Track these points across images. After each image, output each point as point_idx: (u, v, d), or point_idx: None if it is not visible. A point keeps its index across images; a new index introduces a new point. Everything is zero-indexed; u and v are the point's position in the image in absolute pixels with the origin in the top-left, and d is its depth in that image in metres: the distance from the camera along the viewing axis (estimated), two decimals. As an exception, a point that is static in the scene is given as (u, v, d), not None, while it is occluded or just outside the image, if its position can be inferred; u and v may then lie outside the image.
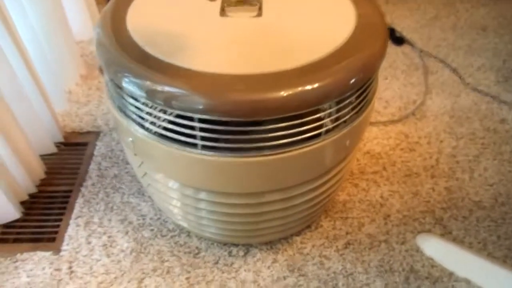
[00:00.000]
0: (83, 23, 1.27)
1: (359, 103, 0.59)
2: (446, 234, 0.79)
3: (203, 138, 0.53)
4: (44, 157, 0.92)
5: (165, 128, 0.55)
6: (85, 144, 0.96)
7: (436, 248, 0.75)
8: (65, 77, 1.09)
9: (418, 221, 0.81)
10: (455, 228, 0.79)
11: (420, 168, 0.91)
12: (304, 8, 0.63)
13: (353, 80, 0.54)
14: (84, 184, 0.87)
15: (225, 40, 0.58)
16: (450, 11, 1.45)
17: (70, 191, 0.87)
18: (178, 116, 0.53)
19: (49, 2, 0.97)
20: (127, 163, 0.91)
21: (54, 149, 0.94)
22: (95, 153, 0.94)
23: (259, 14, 0.62)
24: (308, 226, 0.79)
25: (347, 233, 0.79)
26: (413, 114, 1.04)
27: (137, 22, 0.60)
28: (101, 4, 1.40)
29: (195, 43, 0.57)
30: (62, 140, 0.96)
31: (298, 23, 0.61)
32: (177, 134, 0.54)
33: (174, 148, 0.56)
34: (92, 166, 0.91)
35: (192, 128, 0.53)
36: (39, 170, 0.89)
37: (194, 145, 0.55)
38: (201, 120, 0.52)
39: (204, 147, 0.54)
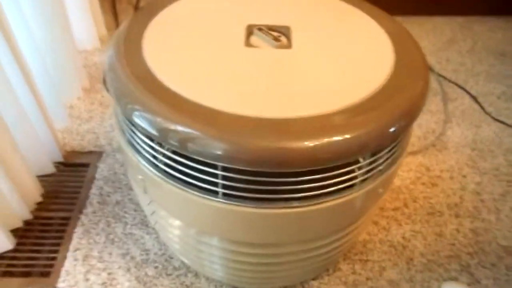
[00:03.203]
0: (86, 31, 1.20)
1: (396, 151, 0.53)
2: (474, 283, 0.73)
3: (225, 186, 0.48)
4: (41, 178, 0.85)
5: (182, 172, 0.49)
6: (86, 165, 0.90)
7: (463, 300, 0.70)
8: (67, 90, 1.03)
9: (443, 267, 0.75)
10: (483, 276, 0.74)
11: (443, 206, 0.85)
12: (336, 40, 0.58)
13: (393, 129, 0.48)
14: (84, 211, 0.80)
15: (250, 75, 0.52)
16: (467, 34, 1.40)
17: (69, 218, 0.80)
18: (197, 160, 0.47)
19: (51, 8, 0.91)
20: (131, 189, 0.85)
21: (52, 169, 0.88)
22: (97, 176, 0.87)
23: (288, 45, 0.56)
24: (326, 270, 0.74)
25: (367, 279, 0.73)
26: (434, 145, 0.99)
27: (154, 48, 0.54)
28: (106, 13, 1.35)
29: (217, 77, 0.51)
30: (61, 159, 0.90)
31: (331, 58, 0.55)
32: (195, 180, 0.48)
33: (191, 193, 0.50)
34: (93, 191, 0.84)
35: (213, 175, 0.47)
36: (35, 193, 0.82)
37: (214, 192, 0.49)
38: (224, 168, 0.46)
39: (226, 195, 0.48)
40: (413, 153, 0.96)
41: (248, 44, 0.56)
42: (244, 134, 0.44)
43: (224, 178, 0.47)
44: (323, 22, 0.61)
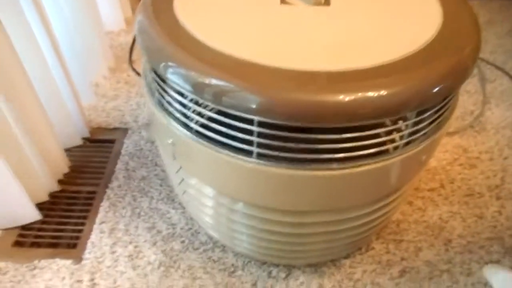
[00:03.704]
0: (113, 13, 1.20)
1: (442, 113, 0.50)
2: (519, 267, 0.68)
3: (260, 145, 0.45)
4: (68, 153, 0.85)
5: (215, 130, 0.47)
6: (112, 141, 0.89)
7: (508, 283, 0.65)
8: (93, 69, 1.02)
9: (485, 249, 0.71)
10: (529, 260, 0.69)
11: (483, 188, 0.80)
12: (379, 0, 0.54)
13: (437, 88, 0.44)
14: (109, 185, 0.79)
15: (286, 29, 0.49)
16: (505, 16, 1.33)
17: (95, 192, 0.79)
18: (231, 116, 0.44)
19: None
20: (156, 164, 0.83)
21: (79, 142, 0.88)
22: (123, 151, 0.86)
23: (327, 2, 0.53)
24: (358, 248, 0.70)
25: (402, 259, 0.69)
26: (472, 126, 0.94)
27: (186, 7, 0.52)
28: (132, -6, 1.34)
29: (253, 31, 0.49)
30: (88, 135, 0.89)
31: (373, 16, 0.52)
32: (229, 139, 0.46)
33: (224, 154, 0.47)
34: (119, 166, 0.83)
35: (249, 132, 0.44)
36: (63, 166, 0.82)
37: (248, 153, 0.46)
38: (260, 124, 0.43)
39: (260, 155, 0.46)
40: (450, 134, 0.91)
41: (283, 1, 0.53)
42: (280, 86, 0.42)
43: (259, 135, 0.44)
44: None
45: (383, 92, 0.42)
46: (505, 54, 1.16)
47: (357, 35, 0.49)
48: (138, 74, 1.07)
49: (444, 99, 0.48)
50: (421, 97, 0.44)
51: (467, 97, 1.02)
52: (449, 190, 0.80)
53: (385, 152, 0.47)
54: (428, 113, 0.47)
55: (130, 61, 1.12)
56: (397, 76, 0.44)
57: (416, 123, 0.47)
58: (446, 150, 0.88)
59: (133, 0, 1.34)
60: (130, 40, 1.19)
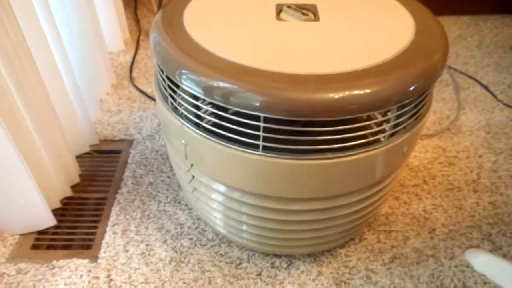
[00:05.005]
0: (114, 35, 1.28)
1: (419, 110, 0.58)
2: (496, 250, 0.76)
3: (265, 139, 0.52)
4: (78, 161, 0.90)
5: (225, 128, 0.54)
6: (118, 152, 0.95)
7: (487, 265, 0.72)
8: (97, 85, 1.09)
9: (465, 236, 0.78)
10: (504, 244, 0.77)
11: (461, 182, 0.89)
12: (360, 15, 0.63)
13: (413, 87, 0.53)
14: (119, 191, 0.85)
15: (284, 41, 0.57)
16: (474, 30, 1.46)
17: (105, 198, 0.85)
18: (239, 115, 0.52)
19: (87, 13, 0.99)
20: (162, 171, 0.89)
21: (88, 149, 0.93)
22: (129, 160, 0.92)
23: (316, 19, 0.62)
24: (352, 239, 0.77)
25: (392, 247, 0.76)
26: (448, 129, 1.03)
27: (194, 24, 0.60)
28: (129, 19, 1.43)
29: (254, 43, 0.57)
30: (97, 142, 0.95)
31: (356, 29, 0.60)
32: (237, 135, 0.53)
33: (233, 149, 0.54)
34: (127, 174, 0.89)
35: (255, 127, 0.51)
36: (74, 173, 0.87)
37: (255, 146, 0.53)
38: (265, 119, 0.51)
39: (265, 148, 0.53)
40: (429, 136, 1.00)
41: (278, 18, 0.62)
42: (281, 87, 0.49)
43: (265, 130, 0.51)
44: (346, 1, 0.66)
45: (367, 90, 0.50)
46: (476, 65, 1.27)
47: (343, 44, 0.57)
48: (139, 90, 1.14)
49: (419, 97, 0.56)
50: (399, 94, 0.52)
51: (444, 104, 1.11)
52: (431, 186, 0.88)
53: (373, 143, 0.55)
54: (407, 108, 0.55)
55: (131, 79, 1.19)
56: (379, 77, 0.52)
57: (397, 117, 0.55)
58: (426, 150, 0.97)
59: (130, 24, 1.43)
60: (129, 60, 1.27)
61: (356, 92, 0.50)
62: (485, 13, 1.54)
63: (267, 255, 0.74)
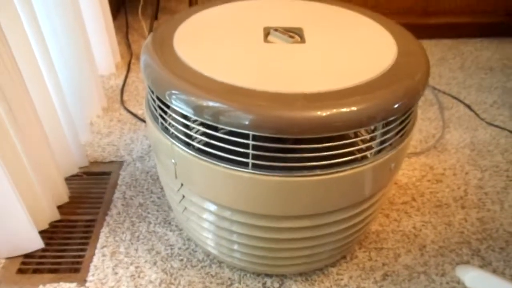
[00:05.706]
0: (105, 59, 1.30)
1: (404, 127, 0.59)
2: (486, 265, 0.76)
3: (254, 157, 0.53)
4: (67, 183, 0.89)
5: (214, 146, 0.54)
6: (108, 173, 0.95)
7: (478, 280, 0.73)
8: (88, 108, 1.10)
9: (455, 252, 0.79)
10: (494, 259, 0.77)
11: (449, 199, 0.90)
12: (345, 38, 0.65)
13: (397, 105, 0.54)
14: (109, 213, 0.84)
15: (271, 62, 0.59)
16: (456, 53, 1.51)
17: (94, 220, 0.84)
18: (229, 133, 0.53)
19: (79, 37, 1.00)
20: (152, 192, 0.89)
21: (76, 170, 0.93)
22: (119, 182, 0.92)
23: (302, 41, 0.64)
24: (343, 257, 0.77)
25: (383, 264, 0.76)
26: (435, 147, 1.05)
27: (184, 46, 0.61)
28: (120, 44, 1.46)
29: (242, 63, 0.58)
30: (87, 164, 0.95)
31: (341, 50, 0.62)
32: (227, 153, 0.54)
33: (223, 167, 0.55)
34: (117, 195, 0.88)
35: (245, 146, 0.52)
36: (63, 195, 0.86)
37: (245, 164, 0.54)
38: (255, 137, 0.51)
39: (255, 166, 0.54)
40: (416, 154, 1.02)
41: (266, 41, 0.64)
42: (269, 105, 0.51)
43: (254, 148, 0.52)
44: (331, 25, 0.69)
45: (353, 108, 0.51)
46: (459, 86, 1.31)
47: (329, 65, 0.59)
48: (129, 112, 1.15)
49: (404, 114, 0.58)
50: (384, 112, 0.54)
51: (429, 123, 1.14)
52: (420, 203, 0.89)
53: (361, 159, 0.56)
54: (392, 125, 0.56)
55: (122, 101, 1.20)
56: (364, 96, 0.53)
57: (383, 134, 0.56)
58: (414, 168, 0.98)
59: (121, 48, 1.45)
60: (120, 83, 1.28)
61: (342, 109, 0.51)
62: (465, 36, 1.61)
63: (258, 275, 0.73)
